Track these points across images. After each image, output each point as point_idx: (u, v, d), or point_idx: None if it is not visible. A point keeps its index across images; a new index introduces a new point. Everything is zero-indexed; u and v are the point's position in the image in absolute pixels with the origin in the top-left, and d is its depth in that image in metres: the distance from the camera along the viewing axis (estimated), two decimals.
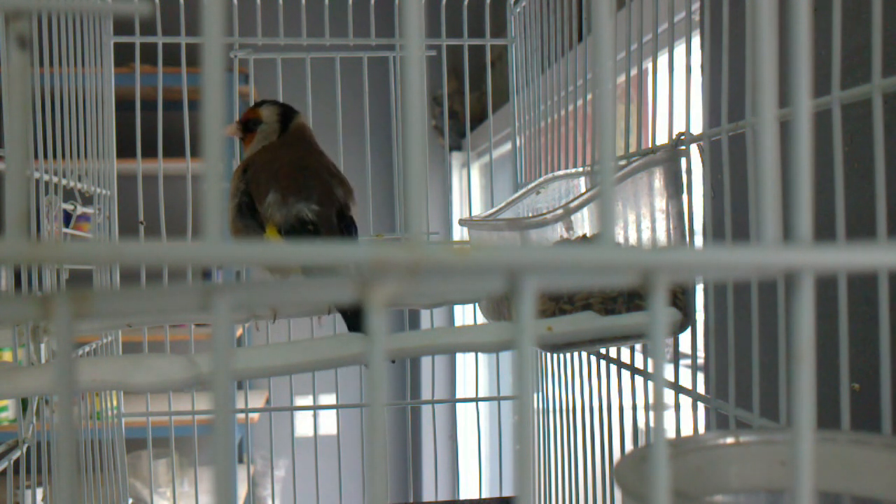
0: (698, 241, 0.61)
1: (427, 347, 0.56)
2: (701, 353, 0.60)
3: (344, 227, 0.74)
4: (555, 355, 0.93)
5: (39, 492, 0.78)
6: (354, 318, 0.67)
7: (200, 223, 0.17)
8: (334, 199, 0.75)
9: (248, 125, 0.85)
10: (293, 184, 0.74)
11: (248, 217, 0.74)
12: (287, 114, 0.85)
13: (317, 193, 0.73)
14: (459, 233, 1.51)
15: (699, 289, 0.61)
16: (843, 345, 0.41)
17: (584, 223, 0.62)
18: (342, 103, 1.03)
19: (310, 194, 0.73)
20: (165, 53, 0.99)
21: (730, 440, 0.32)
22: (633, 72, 0.71)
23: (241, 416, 1.09)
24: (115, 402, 0.99)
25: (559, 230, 0.61)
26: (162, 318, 0.79)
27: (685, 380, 0.62)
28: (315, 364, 0.55)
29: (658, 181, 0.61)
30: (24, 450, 0.76)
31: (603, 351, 0.76)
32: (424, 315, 1.47)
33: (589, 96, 0.82)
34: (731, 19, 0.54)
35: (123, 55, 1.05)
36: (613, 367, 0.74)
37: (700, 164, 0.58)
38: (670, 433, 0.63)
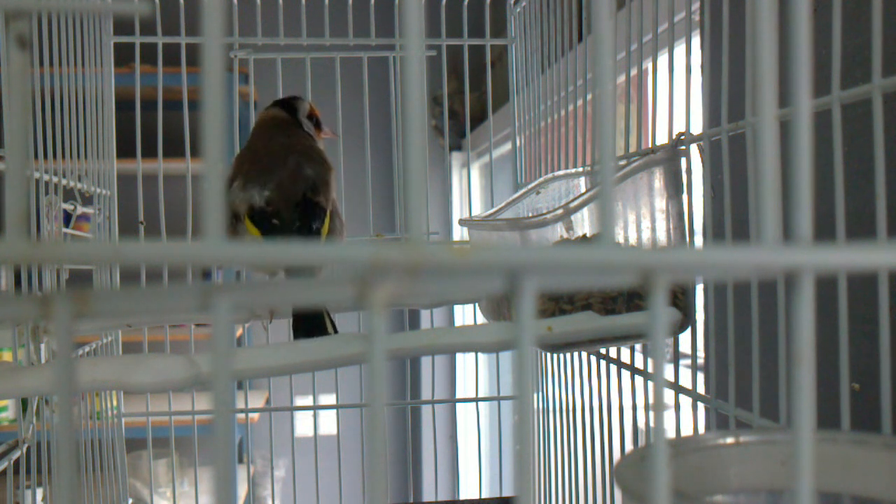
0: (698, 241, 0.61)
1: (427, 347, 0.56)
2: (701, 353, 0.60)
3: (302, 212, 0.72)
4: (555, 355, 0.93)
5: (39, 492, 0.78)
6: (302, 323, 0.66)
7: (200, 223, 0.17)
8: (298, 180, 0.74)
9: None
10: (253, 169, 0.74)
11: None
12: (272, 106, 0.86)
13: (275, 177, 0.73)
14: (459, 233, 1.51)
15: (699, 289, 0.61)
16: (843, 345, 0.41)
17: (584, 223, 0.62)
18: (342, 103, 1.03)
19: (267, 179, 0.73)
20: (165, 53, 0.99)
21: (730, 440, 0.32)
22: (633, 72, 0.71)
23: (241, 416, 1.09)
24: (115, 402, 0.99)
25: (559, 230, 0.61)
26: (162, 318, 0.79)
27: (685, 380, 0.62)
28: (315, 364, 0.55)
29: (658, 181, 0.61)
30: (24, 450, 0.76)
31: (603, 351, 0.76)
32: (424, 315, 1.47)
33: (589, 96, 0.82)
34: (731, 19, 0.54)
35: (123, 55, 1.05)
36: (613, 367, 0.74)
37: (700, 164, 0.58)
38: (670, 433, 0.63)
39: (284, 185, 0.73)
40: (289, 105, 0.86)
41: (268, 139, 0.80)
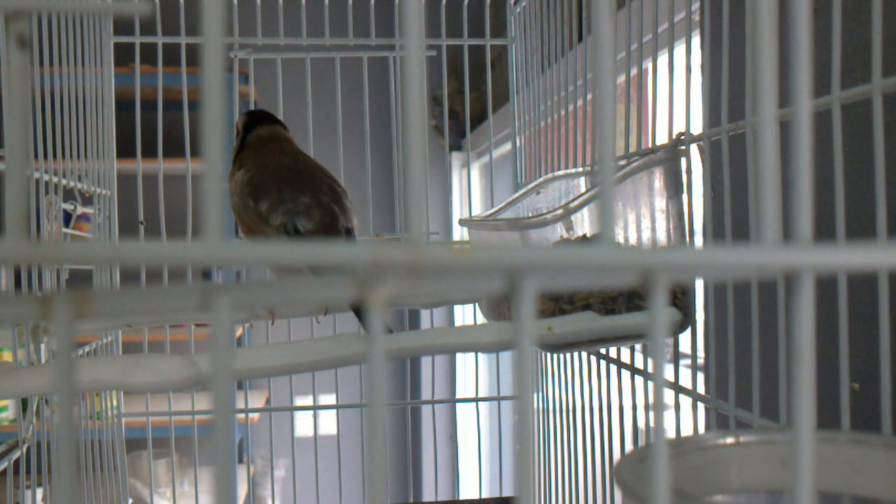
0: (698, 241, 0.61)
1: (427, 347, 0.56)
2: (701, 353, 0.60)
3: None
4: (555, 355, 0.93)
5: (39, 492, 0.78)
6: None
7: (200, 223, 0.17)
8: (339, 208, 0.74)
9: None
10: (293, 189, 0.73)
11: (254, 214, 0.74)
12: (252, 123, 0.85)
13: (319, 207, 0.73)
14: (459, 233, 1.51)
15: (699, 289, 0.61)
16: (843, 345, 0.41)
17: (584, 223, 0.62)
18: (342, 103, 1.03)
19: (310, 207, 0.73)
20: (165, 53, 0.99)
21: (730, 440, 0.32)
22: (633, 72, 0.71)
23: (241, 416, 1.09)
24: (115, 402, 0.99)
25: (559, 230, 0.61)
26: (162, 318, 0.79)
27: (685, 380, 0.62)
28: (315, 364, 0.55)
29: (658, 181, 0.61)
30: (24, 450, 0.76)
31: (603, 351, 0.76)
32: (424, 315, 1.47)
33: (589, 96, 0.82)
34: (731, 19, 0.54)
35: (123, 55, 1.05)
36: (613, 367, 0.74)
37: (700, 164, 0.58)
38: (670, 433, 0.63)
39: (326, 214, 0.73)
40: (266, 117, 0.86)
41: (278, 155, 0.80)
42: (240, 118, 0.86)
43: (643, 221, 0.62)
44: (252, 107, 1.19)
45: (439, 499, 1.79)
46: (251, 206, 0.73)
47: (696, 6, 0.68)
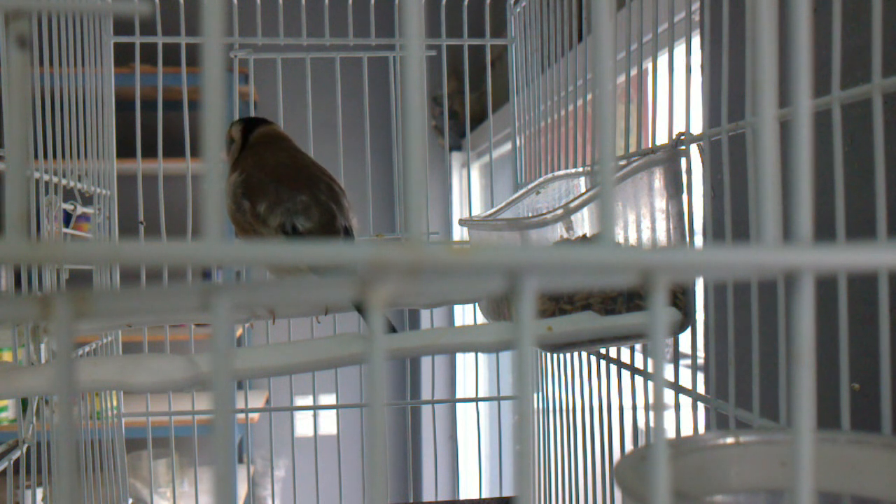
0: (698, 241, 0.61)
1: (427, 347, 0.56)
2: (701, 353, 0.60)
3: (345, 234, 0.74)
4: (555, 355, 0.93)
5: (39, 492, 0.78)
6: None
7: (200, 223, 0.17)
8: (337, 207, 0.74)
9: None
10: (290, 188, 0.73)
11: (250, 216, 0.73)
12: (250, 126, 0.84)
13: (311, 202, 0.73)
14: (459, 233, 1.51)
15: (699, 289, 0.61)
16: (843, 345, 0.41)
17: (584, 223, 0.62)
18: (342, 103, 1.03)
19: (308, 206, 0.72)
20: (165, 53, 0.99)
21: (730, 440, 0.32)
22: (633, 72, 0.71)
23: (241, 416, 1.09)
24: (115, 402, 0.99)
25: (559, 230, 0.61)
26: (162, 318, 0.79)
27: (685, 380, 0.62)
28: (315, 364, 0.55)
29: (658, 181, 0.61)
30: (24, 450, 0.76)
31: (603, 351, 0.76)
32: (424, 315, 1.47)
33: (589, 96, 0.82)
34: (731, 19, 0.54)
35: (123, 55, 1.05)
36: (613, 367, 0.74)
37: (700, 164, 0.58)
38: (670, 433, 0.63)
39: (324, 213, 0.73)
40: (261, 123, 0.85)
41: (275, 154, 0.79)
42: (232, 126, 0.85)
43: (643, 221, 0.62)
44: (252, 107, 1.19)
45: (439, 499, 1.79)
46: (246, 206, 0.73)
47: (696, 6, 0.68)
